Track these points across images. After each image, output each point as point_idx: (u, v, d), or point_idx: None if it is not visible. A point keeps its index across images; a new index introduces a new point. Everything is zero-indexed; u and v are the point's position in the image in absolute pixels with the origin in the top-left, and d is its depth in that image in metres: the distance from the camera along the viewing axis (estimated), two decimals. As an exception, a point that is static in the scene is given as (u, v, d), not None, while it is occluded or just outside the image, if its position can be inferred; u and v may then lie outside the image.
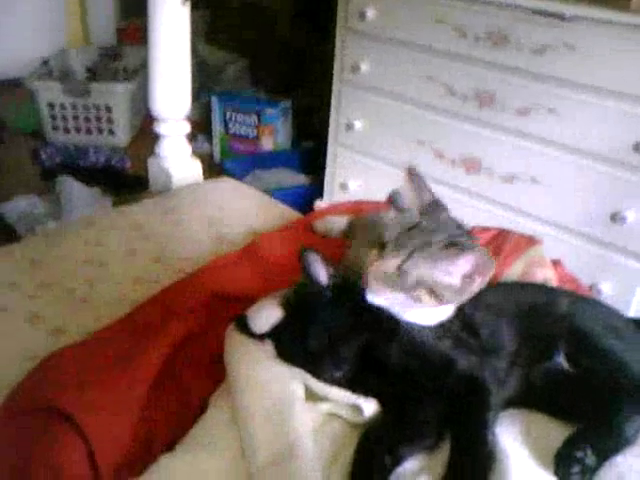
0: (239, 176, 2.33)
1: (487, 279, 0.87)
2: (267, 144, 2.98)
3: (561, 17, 1.68)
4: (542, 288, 1.10)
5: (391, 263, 0.87)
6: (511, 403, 0.88)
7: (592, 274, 1.81)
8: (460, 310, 0.92)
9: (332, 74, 2.23)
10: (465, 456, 0.78)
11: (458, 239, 0.87)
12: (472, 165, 2.00)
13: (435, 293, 0.86)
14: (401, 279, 0.86)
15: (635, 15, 1.59)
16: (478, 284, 0.87)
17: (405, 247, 0.87)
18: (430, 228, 0.89)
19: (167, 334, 0.99)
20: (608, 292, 1.81)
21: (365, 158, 2.22)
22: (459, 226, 0.93)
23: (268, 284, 0.99)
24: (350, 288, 0.90)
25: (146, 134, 1.79)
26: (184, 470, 0.80)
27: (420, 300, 0.86)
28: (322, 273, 0.91)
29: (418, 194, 0.94)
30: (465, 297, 0.89)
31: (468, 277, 0.86)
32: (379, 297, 0.89)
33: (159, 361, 0.95)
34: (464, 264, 0.85)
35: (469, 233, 0.93)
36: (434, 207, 0.93)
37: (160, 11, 1.54)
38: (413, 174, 0.94)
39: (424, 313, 0.90)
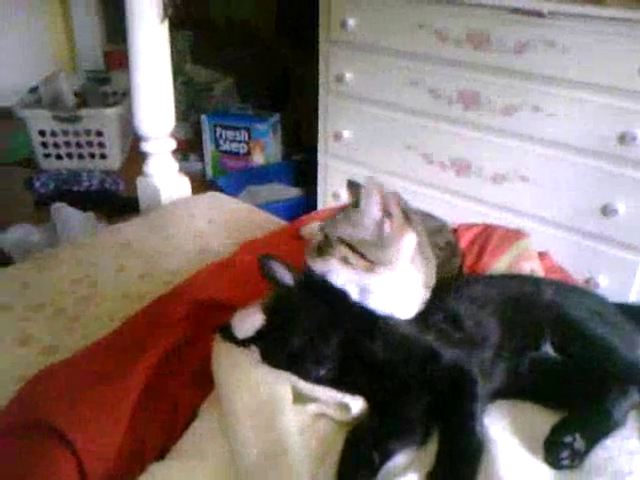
0: (233, 193, 2.34)
1: (398, 218, 0.91)
2: (258, 159, 2.99)
3: (539, 14, 1.69)
4: (526, 278, 1.11)
5: (320, 234, 0.94)
6: (499, 394, 0.88)
7: (588, 268, 1.81)
8: (443, 302, 0.93)
9: (318, 85, 2.24)
10: (453, 447, 0.78)
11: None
12: (461, 167, 2.00)
13: (357, 250, 0.90)
14: (326, 243, 0.92)
15: (610, 8, 1.60)
16: (391, 228, 0.90)
17: (332, 220, 0.95)
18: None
19: (154, 346, 1.00)
20: (605, 285, 1.80)
21: (355, 167, 2.22)
22: None
23: (249, 291, 0.99)
24: (320, 286, 0.91)
25: (138, 155, 1.80)
26: (173, 477, 0.80)
27: (349, 262, 0.90)
28: (286, 277, 0.93)
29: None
30: (390, 254, 0.90)
31: (379, 224, 0.90)
32: (320, 270, 0.92)
33: (147, 373, 0.96)
34: (370, 206, 0.90)
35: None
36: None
37: (139, 30, 1.55)
38: (351, 184, 1.04)
39: (395, 300, 0.91)
